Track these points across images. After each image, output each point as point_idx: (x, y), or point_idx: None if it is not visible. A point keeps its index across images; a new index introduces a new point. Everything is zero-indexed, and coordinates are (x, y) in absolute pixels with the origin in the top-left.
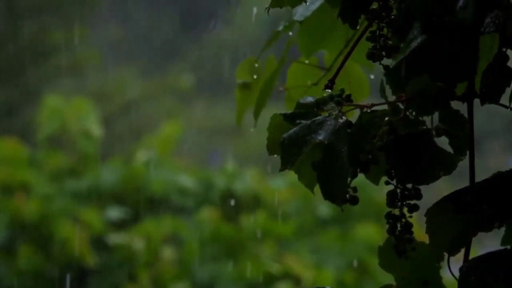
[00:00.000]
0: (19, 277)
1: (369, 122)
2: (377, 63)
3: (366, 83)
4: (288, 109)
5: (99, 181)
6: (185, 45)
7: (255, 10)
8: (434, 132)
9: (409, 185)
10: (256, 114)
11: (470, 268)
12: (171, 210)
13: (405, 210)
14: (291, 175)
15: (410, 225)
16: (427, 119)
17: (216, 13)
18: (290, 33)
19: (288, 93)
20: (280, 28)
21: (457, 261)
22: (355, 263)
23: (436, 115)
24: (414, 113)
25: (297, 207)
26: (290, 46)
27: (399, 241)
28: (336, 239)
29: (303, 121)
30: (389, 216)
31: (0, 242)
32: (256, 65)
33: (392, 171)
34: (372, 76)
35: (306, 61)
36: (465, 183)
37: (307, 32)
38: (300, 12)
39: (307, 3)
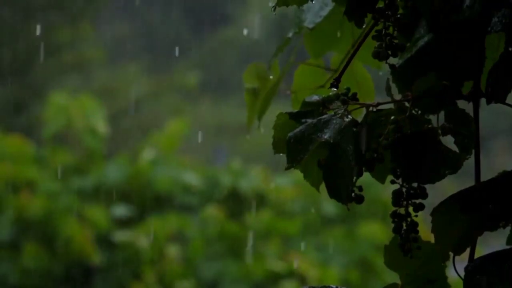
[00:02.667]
0: (24, 275)
1: (375, 121)
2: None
3: (371, 84)
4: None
5: (104, 179)
6: (191, 43)
7: (261, 8)
8: (439, 131)
9: (415, 184)
10: (259, 116)
11: (475, 268)
12: (176, 208)
13: (411, 209)
14: (297, 173)
15: (415, 224)
16: (432, 118)
17: (222, 11)
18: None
19: (295, 95)
20: (290, 34)
21: (462, 261)
22: (360, 262)
23: (442, 114)
24: (419, 111)
25: (302, 205)
26: (297, 48)
27: (404, 240)
28: (341, 238)
29: (309, 120)
30: (394, 215)
31: (5, 239)
32: (269, 71)
33: (398, 170)
34: (379, 73)
35: (312, 63)
36: (471, 182)
37: (315, 35)
38: (310, 19)
39: (317, 9)
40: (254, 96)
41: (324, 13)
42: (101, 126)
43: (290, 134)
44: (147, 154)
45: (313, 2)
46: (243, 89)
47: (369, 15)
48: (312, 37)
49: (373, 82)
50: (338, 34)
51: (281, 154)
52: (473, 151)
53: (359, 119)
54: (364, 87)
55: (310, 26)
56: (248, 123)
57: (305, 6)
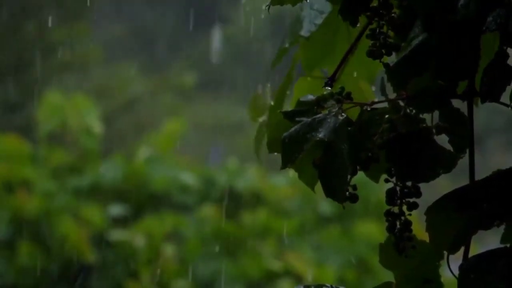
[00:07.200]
0: (19, 274)
1: (370, 120)
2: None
3: (371, 94)
4: None
5: (100, 178)
6: (187, 42)
7: (257, 8)
8: (434, 130)
9: (409, 183)
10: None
11: (469, 266)
12: (172, 207)
13: (405, 208)
14: (293, 172)
15: (409, 223)
16: (427, 117)
17: (218, 10)
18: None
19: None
20: (286, 45)
21: (457, 259)
22: (356, 261)
23: (436, 113)
24: (414, 111)
25: (298, 205)
26: (296, 62)
27: (398, 239)
28: (337, 237)
29: (303, 119)
30: (388, 214)
31: (0, 238)
32: (267, 90)
33: (392, 169)
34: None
35: (309, 77)
36: (467, 180)
37: (309, 47)
38: (306, 28)
39: (312, 17)
40: (264, 126)
41: (319, 21)
42: (96, 125)
43: (285, 134)
44: (143, 154)
45: (308, 0)
46: (240, 89)
47: (364, 19)
48: (306, 50)
49: (372, 90)
50: (333, 44)
51: (275, 154)
52: (468, 150)
53: (354, 118)
54: (362, 88)
55: (306, 35)
56: (256, 151)
57: (301, 15)
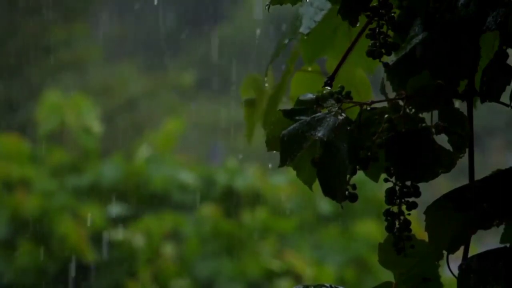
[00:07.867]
0: (19, 273)
1: (369, 119)
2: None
3: (369, 87)
4: None
5: (99, 177)
6: (187, 41)
7: (256, 7)
8: (433, 130)
9: (408, 183)
10: (264, 126)
11: (469, 266)
12: (171, 207)
13: (404, 207)
14: (292, 172)
15: (408, 223)
16: (426, 116)
17: (218, 9)
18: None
19: (293, 102)
20: (286, 41)
21: (457, 259)
22: (356, 260)
23: (435, 112)
24: (413, 110)
25: (298, 204)
26: (295, 57)
27: (397, 239)
28: (337, 236)
29: (303, 118)
30: (387, 213)
31: (0, 237)
32: (266, 78)
33: (391, 168)
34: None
35: (309, 69)
36: (466, 180)
37: (309, 40)
38: (305, 24)
39: (311, 14)
40: (252, 107)
41: (319, 18)
42: (96, 125)
43: (283, 132)
44: (143, 153)
45: (308, 0)
46: (239, 88)
47: (364, 17)
48: (306, 43)
49: (370, 85)
50: (332, 39)
51: (274, 152)
52: (467, 149)
53: (353, 118)
54: (362, 90)
55: (306, 31)
56: (248, 134)
57: (300, 12)
